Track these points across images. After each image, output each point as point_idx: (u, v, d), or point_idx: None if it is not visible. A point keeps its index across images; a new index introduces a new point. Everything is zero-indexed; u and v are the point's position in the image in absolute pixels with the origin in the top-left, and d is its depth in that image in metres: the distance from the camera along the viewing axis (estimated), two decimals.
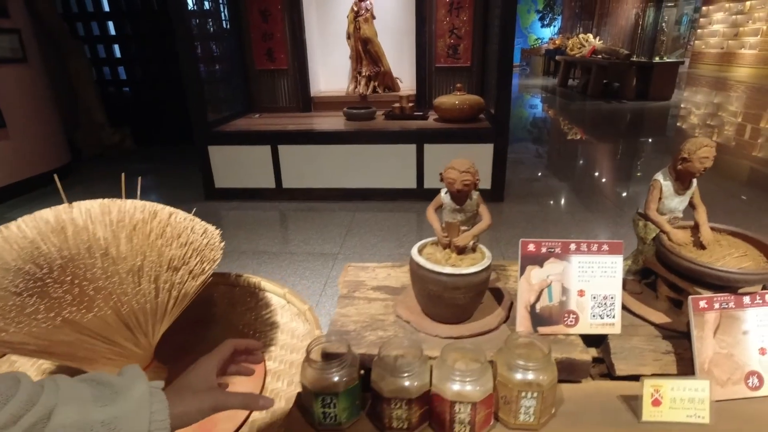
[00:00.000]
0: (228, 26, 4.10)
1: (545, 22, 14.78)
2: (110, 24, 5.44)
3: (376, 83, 4.50)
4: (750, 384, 0.75)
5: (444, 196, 0.89)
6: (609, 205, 3.61)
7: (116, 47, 5.55)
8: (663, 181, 0.87)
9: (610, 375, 0.83)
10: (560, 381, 0.79)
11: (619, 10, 11.02)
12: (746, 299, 0.76)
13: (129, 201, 0.99)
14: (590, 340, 0.84)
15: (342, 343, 0.76)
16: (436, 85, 4.31)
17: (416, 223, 3.36)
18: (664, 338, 0.83)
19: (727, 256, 0.83)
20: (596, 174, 4.62)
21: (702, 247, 0.86)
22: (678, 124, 6.87)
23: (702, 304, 0.75)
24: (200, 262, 0.88)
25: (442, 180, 0.84)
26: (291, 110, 4.46)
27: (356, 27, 4.28)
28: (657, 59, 8.36)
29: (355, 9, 4.22)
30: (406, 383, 0.67)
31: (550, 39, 13.43)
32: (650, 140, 5.95)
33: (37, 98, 4.29)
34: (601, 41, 10.32)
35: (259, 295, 1.34)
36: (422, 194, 3.70)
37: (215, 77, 4.00)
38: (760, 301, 0.76)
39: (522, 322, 0.82)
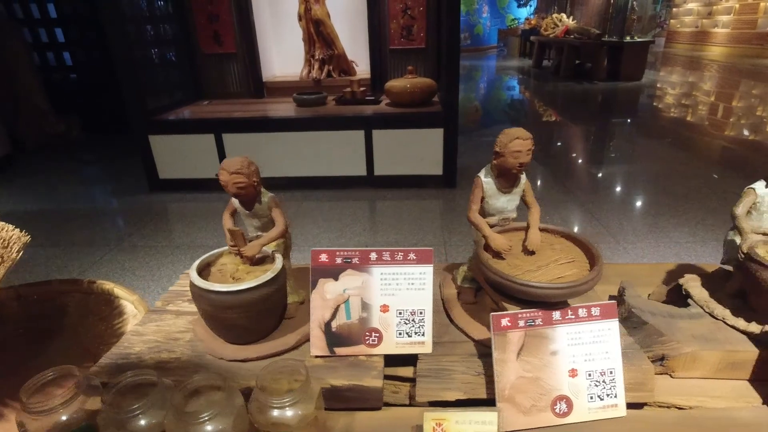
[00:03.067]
0: (171, 8, 3.88)
1: (522, 2, 14.48)
2: (51, 7, 5.14)
3: (331, 67, 4.33)
4: (557, 410, 0.66)
5: (235, 200, 0.78)
6: (577, 191, 3.50)
7: (59, 32, 5.26)
8: (484, 179, 0.76)
9: None
10: (356, 409, 0.70)
11: None
12: (556, 315, 0.66)
13: None
14: (406, 357, 0.75)
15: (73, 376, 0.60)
16: (392, 68, 4.15)
17: (363, 212, 3.25)
18: (479, 357, 0.73)
19: (552, 263, 0.73)
20: (565, 158, 4.47)
21: (531, 252, 0.76)
22: (654, 104, 6.76)
23: (504, 322, 0.65)
24: None
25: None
26: (242, 96, 4.28)
27: (307, 8, 4.08)
28: (628, 39, 8.17)
29: None
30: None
31: (526, 19, 13.17)
32: (621, 122, 5.89)
33: None
34: (575, 21, 10.11)
35: (114, 303, 1.24)
36: (373, 182, 3.58)
37: (157, 62, 3.79)
38: (573, 317, 0.66)
39: (316, 342, 0.71)
